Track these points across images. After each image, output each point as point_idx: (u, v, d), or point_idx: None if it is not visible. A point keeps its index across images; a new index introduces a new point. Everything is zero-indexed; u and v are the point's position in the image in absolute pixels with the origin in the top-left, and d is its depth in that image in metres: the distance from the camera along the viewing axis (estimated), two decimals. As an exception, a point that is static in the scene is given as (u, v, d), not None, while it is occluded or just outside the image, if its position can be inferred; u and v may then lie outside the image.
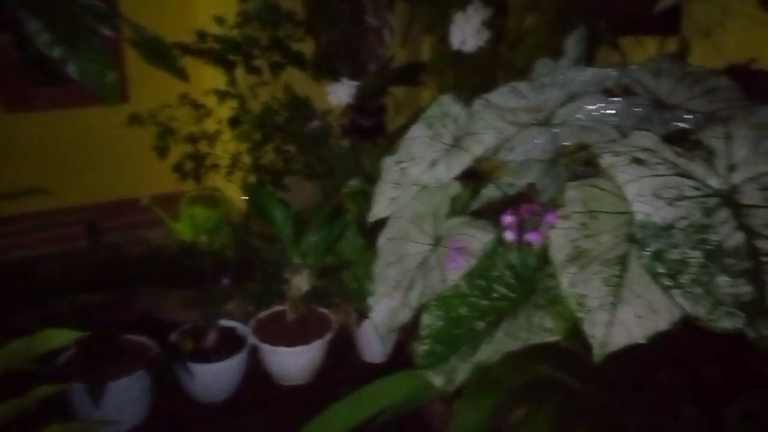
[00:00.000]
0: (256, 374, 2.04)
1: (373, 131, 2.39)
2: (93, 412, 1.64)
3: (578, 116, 1.15)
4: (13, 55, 3.23)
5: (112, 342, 1.84)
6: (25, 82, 3.56)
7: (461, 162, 1.24)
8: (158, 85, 2.41)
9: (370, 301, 1.29)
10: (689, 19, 1.87)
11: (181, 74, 1.11)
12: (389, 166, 1.37)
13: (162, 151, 2.58)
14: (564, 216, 0.90)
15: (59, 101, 3.54)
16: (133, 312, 2.54)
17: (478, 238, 1.14)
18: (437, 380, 1.07)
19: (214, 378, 1.94)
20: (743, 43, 1.58)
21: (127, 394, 1.79)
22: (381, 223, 1.38)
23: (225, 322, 2.05)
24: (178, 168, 2.61)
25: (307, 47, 2.57)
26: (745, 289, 0.73)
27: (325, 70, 2.44)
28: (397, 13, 2.54)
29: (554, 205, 1.00)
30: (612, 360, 0.81)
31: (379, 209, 1.35)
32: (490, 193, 1.29)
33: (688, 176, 0.81)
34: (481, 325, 1.07)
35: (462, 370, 1.01)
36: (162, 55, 1.04)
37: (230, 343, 1.99)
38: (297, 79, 2.58)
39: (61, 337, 0.77)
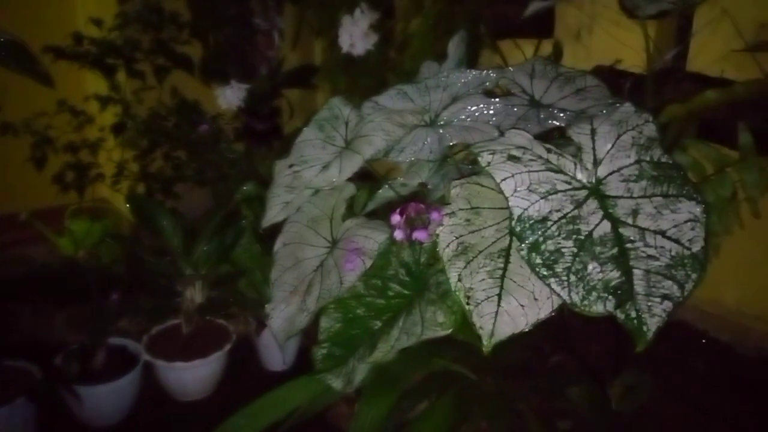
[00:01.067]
0: (152, 393, 1.95)
1: (268, 135, 2.36)
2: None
3: (461, 117, 1.19)
4: None
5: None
6: None
7: (353, 164, 1.25)
8: (33, 92, 2.24)
9: (268, 308, 1.28)
10: (562, 23, 2.00)
11: (47, 80, 1.04)
12: (282, 169, 1.36)
13: (39, 162, 2.40)
14: (450, 213, 0.93)
15: None
16: (14, 335, 2.35)
17: (373, 239, 1.16)
18: (336, 383, 1.08)
19: (104, 400, 1.83)
20: (609, 45, 1.71)
21: (8, 424, 1.65)
22: (278, 229, 1.37)
23: (114, 341, 1.94)
24: (58, 179, 2.44)
25: (193, 50, 2.49)
26: (614, 275, 0.79)
27: (214, 73, 2.38)
28: (286, 15, 2.52)
29: (443, 203, 1.03)
30: (503, 349, 0.85)
31: (272, 214, 1.33)
32: (384, 193, 1.32)
33: (560, 171, 0.86)
34: (377, 324, 1.08)
35: (360, 371, 1.02)
36: (23, 59, 0.96)
37: (121, 362, 1.88)
38: (184, 82, 2.49)
39: None
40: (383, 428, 1.05)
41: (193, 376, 1.91)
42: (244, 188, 1.81)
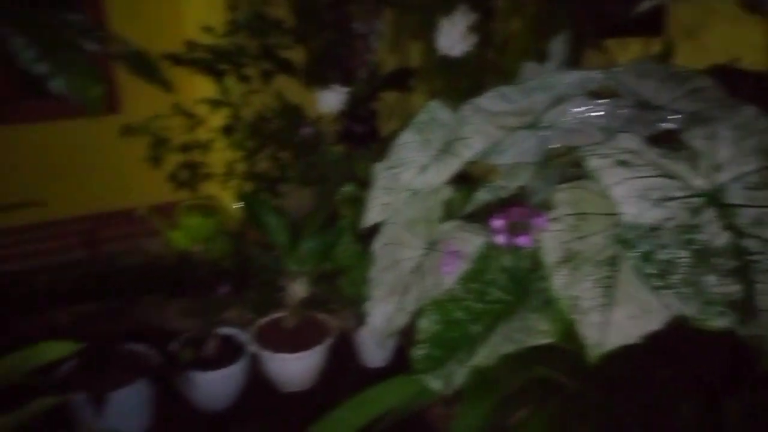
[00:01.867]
0: (257, 381, 2.05)
1: (366, 137, 2.41)
2: (95, 424, 1.65)
3: (565, 119, 1.16)
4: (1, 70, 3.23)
5: (112, 352, 1.84)
6: (15, 95, 3.56)
7: (451, 167, 1.25)
8: (150, 96, 2.41)
9: (367, 306, 1.31)
10: (673, 20, 1.89)
11: (167, 86, 1.12)
12: (381, 171, 1.38)
13: (155, 161, 2.58)
14: (554, 218, 0.92)
15: (50, 113, 3.54)
16: (132, 322, 2.55)
17: (471, 242, 1.16)
18: (435, 384, 1.09)
19: (214, 386, 1.95)
20: (726, 42, 1.60)
21: (129, 404, 1.79)
22: (377, 229, 1.40)
23: (224, 330, 2.06)
24: (173, 177, 2.62)
25: (297, 55, 2.58)
26: (734, 288, 0.75)
27: (316, 77, 2.45)
28: (384, 19, 2.56)
29: (546, 207, 1.01)
30: (610, 360, 0.83)
31: (372, 215, 1.36)
32: (482, 196, 1.31)
33: (674, 177, 0.82)
34: (476, 328, 1.08)
35: (459, 374, 1.03)
36: (147, 67, 1.05)
37: (230, 351, 2.00)
38: (289, 86, 2.59)
39: (61, 348, 0.78)
40: (483, 431, 1.05)
41: (296, 367, 2.00)
42: (345, 189, 1.86)
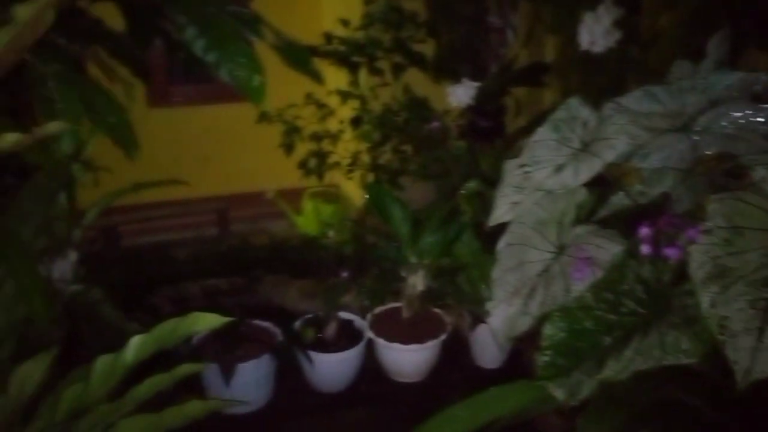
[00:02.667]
0: (371, 368, 2.10)
1: (491, 133, 2.37)
2: (222, 392, 1.77)
3: (723, 123, 1.07)
4: (158, 56, 3.51)
5: (241, 326, 1.96)
6: (166, 80, 3.87)
7: (591, 168, 1.20)
8: (285, 85, 2.54)
9: (488, 306, 1.29)
10: None
11: (316, 77, 1.17)
12: (511, 169, 1.36)
13: (288, 148, 2.71)
14: (706, 231, 0.85)
15: (196, 98, 3.82)
16: (257, 298, 2.70)
17: (606, 249, 1.10)
18: (558, 393, 1.05)
19: (332, 368, 2.02)
20: None
21: (254, 376, 1.90)
22: (499, 227, 1.37)
23: (344, 315, 2.12)
24: (302, 165, 2.73)
25: (428, 48, 2.59)
26: None
27: (446, 71, 2.45)
28: (520, 12, 2.50)
29: (691, 217, 0.94)
30: (757, 389, 0.76)
31: (499, 213, 1.34)
32: (620, 201, 1.24)
33: None
34: (607, 340, 1.03)
35: (586, 385, 0.99)
36: (299, 58, 1.10)
37: (349, 335, 2.06)
38: (416, 80, 2.61)
39: (209, 320, 0.84)
40: (605, 449, 1.00)
41: (409, 358, 2.02)
42: (468, 185, 1.84)
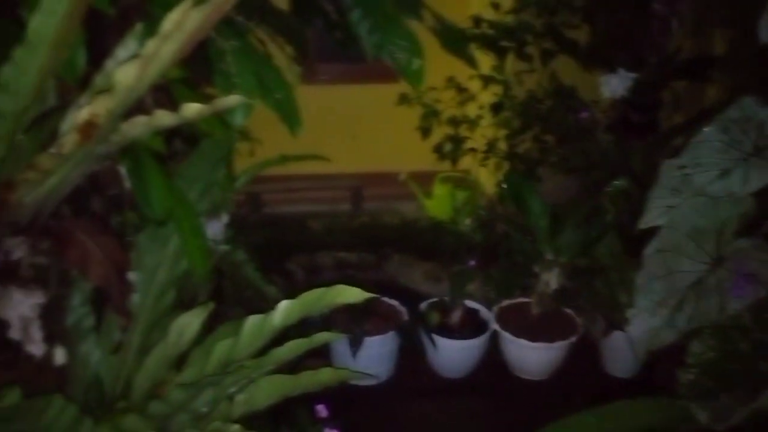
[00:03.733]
0: (493, 360, 2.07)
1: (645, 128, 2.21)
2: (347, 362, 1.84)
3: None
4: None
5: (370, 301, 2.01)
6: (314, 58, 4.01)
7: (763, 176, 1.10)
8: (426, 67, 2.54)
9: (628, 313, 1.22)
10: None
11: (472, 62, 1.16)
12: (668, 170, 1.27)
13: (425, 132, 2.72)
14: None
15: (340, 77, 3.94)
16: (384, 275, 2.76)
17: (775, 267, 1.00)
18: (702, 415, 0.98)
19: (455, 354, 2.03)
20: None
21: (379, 351, 1.96)
22: (647, 231, 1.29)
23: (469, 303, 2.11)
24: (437, 149, 2.73)
25: (580, 34, 2.46)
26: None
27: (599, 59, 2.32)
28: (689, 0, 2.30)
29: None
30: None
31: (651, 216, 1.26)
32: (794, 215, 1.12)
33: None
34: (765, 366, 0.94)
35: (737, 413, 0.91)
36: (457, 43, 1.09)
37: (473, 324, 2.05)
38: (565, 67, 2.50)
39: (352, 294, 0.87)
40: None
41: (535, 356, 1.97)
42: (615, 182, 1.74)
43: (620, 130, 2.29)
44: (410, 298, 2.22)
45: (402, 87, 2.85)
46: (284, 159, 1.84)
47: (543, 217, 1.82)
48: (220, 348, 0.94)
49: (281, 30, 1.14)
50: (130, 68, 0.66)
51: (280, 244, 2.99)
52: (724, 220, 1.22)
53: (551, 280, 1.90)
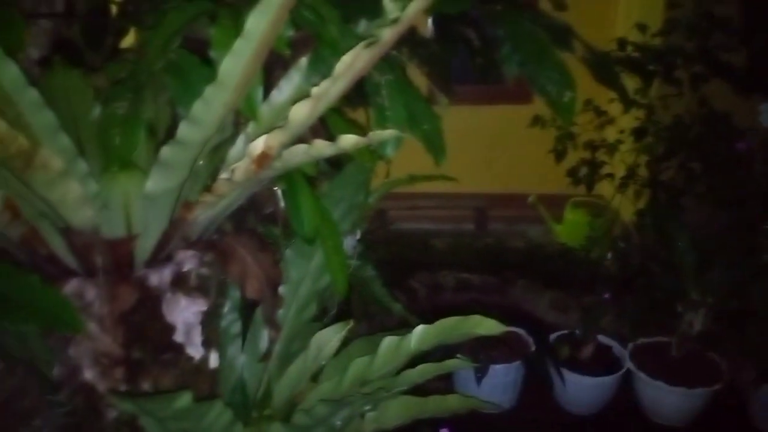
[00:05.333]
0: (625, 400, 1.95)
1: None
2: (470, 389, 1.82)
3: None
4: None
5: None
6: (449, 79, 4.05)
7: None
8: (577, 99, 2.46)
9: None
10: None
11: (623, 93, 1.12)
12: None
13: (559, 155, 2.65)
14: None
15: (473, 98, 3.94)
16: (508, 300, 2.71)
17: None
18: None
19: (584, 391, 1.93)
20: None
21: (503, 380, 1.92)
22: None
23: (602, 339, 2.01)
24: (572, 173, 2.64)
25: (737, 57, 2.28)
26: None
27: (758, 84, 2.13)
28: None
29: None
30: None
31: (822, 263, 1.14)
32: None
33: None
34: None
35: None
36: (608, 73, 1.06)
37: (605, 361, 1.95)
38: (717, 92, 2.32)
39: (490, 326, 0.86)
40: None
41: (673, 401, 1.83)
42: (775, 220, 1.59)
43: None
44: (535, 326, 2.16)
45: (536, 108, 2.80)
46: (413, 179, 1.87)
47: (689, 253, 1.69)
48: (357, 365, 0.97)
49: (427, 59, 1.17)
50: (303, 107, 0.71)
51: (403, 261, 3.03)
52: None
53: (695, 321, 1.76)
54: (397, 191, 1.93)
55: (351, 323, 1.07)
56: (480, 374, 1.79)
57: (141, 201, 0.82)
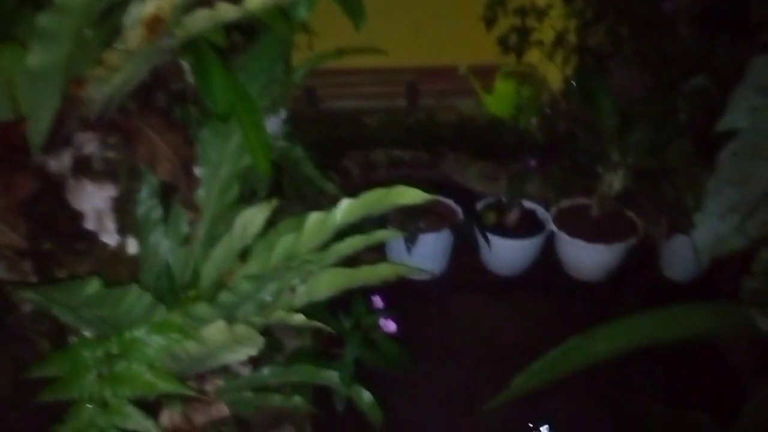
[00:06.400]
0: (549, 260, 2.07)
1: (732, 21, 2.01)
2: (402, 258, 1.88)
3: None
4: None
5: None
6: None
7: None
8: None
9: (695, 218, 1.18)
10: None
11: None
12: (760, 67, 1.17)
13: (489, 22, 2.58)
14: None
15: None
16: (439, 174, 2.74)
17: None
18: (763, 323, 0.97)
19: (510, 253, 2.03)
20: None
21: (433, 247, 1.99)
22: (723, 134, 1.22)
23: (527, 204, 2.08)
24: (502, 41, 2.59)
25: None
26: None
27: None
28: None
29: None
30: None
31: (733, 117, 1.18)
32: None
33: None
34: (843, 278, 0.91)
35: (805, 324, 0.89)
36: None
37: (529, 224, 2.03)
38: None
39: (413, 195, 0.86)
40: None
41: (590, 257, 1.96)
42: (693, 81, 1.63)
43: (706, 23, 2.10)
44: (465, 197, 2.21)
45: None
46: (341, 52, 1.79)
47: (612, 116, 1.73)
48: (284, 242, 0.97)
49: None
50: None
51: (335, 140, 2.99)
52: (815, 123, 1.13)
53: (615, 181, 1.84)
54: (325, 68, 1.84)
55: (275, 201, 1.05)
56: (410, 243, 1.84)
57: (25, 78, 0.73)
